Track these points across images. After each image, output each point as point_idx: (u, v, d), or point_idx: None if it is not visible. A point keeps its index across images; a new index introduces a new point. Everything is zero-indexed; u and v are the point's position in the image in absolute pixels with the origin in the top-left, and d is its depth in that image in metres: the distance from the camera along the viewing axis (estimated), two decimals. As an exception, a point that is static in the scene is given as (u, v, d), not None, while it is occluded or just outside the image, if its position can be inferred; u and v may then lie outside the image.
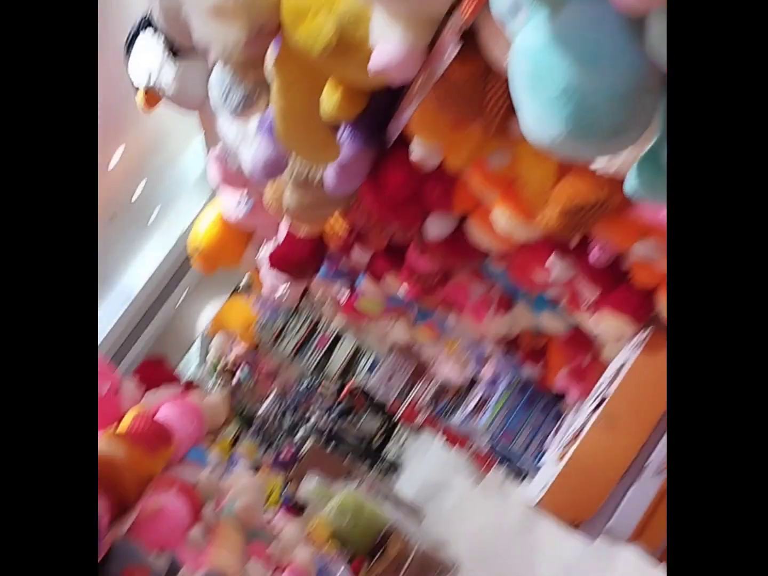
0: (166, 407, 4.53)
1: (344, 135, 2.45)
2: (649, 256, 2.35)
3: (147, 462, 3.43)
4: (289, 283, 4.91)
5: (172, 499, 3.32)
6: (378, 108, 2.26)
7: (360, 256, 3.74)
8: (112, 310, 6.06)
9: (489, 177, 2.40)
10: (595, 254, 2.56)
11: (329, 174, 2.60)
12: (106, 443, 3.30)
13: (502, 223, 2.51)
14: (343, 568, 5.02)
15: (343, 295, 4.81)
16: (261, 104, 2.47)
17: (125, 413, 4.12)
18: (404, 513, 6.47)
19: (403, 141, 2.43)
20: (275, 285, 5.14)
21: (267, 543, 4.32)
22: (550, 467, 2.96)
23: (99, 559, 2.40)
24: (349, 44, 1.82)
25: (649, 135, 1.29)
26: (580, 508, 2.64)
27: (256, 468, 6.15)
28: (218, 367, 10.29)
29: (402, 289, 3.80)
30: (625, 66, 1.17)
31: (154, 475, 3.53)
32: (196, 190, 5.84)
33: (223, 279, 8.17)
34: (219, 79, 2.48)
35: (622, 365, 2.78)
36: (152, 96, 3.07)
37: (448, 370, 5.48)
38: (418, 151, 2.40)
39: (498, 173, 2.35)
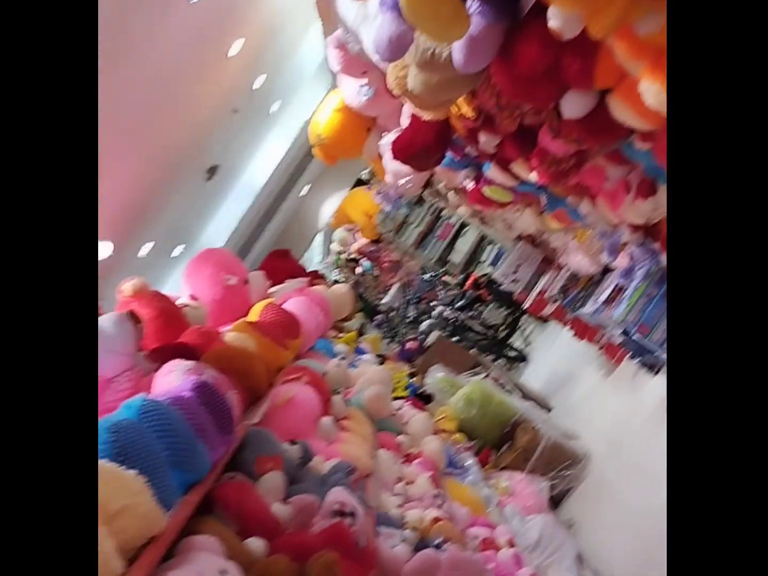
0: (293, 299, 4.55)
1: (474, 6, 2.25)
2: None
3: (277, 352, 3.45)
4: (412, 172, 4.77)
5: (302, 388, 3.34)
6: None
7: (487, 141, 3.55)
8: (237, 204, 6.10)
9: (637, 45, 2.16)
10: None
11: (457, 50, 2.41)
12: (237, 334, 3.33)
13: (650, 97, 2.27)
14: (471, 458, 5.03)
15: (469, 183, 4.63)
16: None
17: (253, 305, 4.15)
18: (532, 404, 6.41)
19: (539, 9, 2.22)
20: (398, 174, 5.01)
21: (396, 433, 4.34)
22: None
23: (233, 448, 2.41)
24: None
25: None
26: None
27: (382, 360, 6.18)
28: (340, 261, 10.35)
29: (532, 175, 3.60)
30: None
31: (284, 365, 3.56)
32: (315, 81, 5.71)
33: (345, 171, 8.09)
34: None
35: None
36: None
37: (578, 259, 5.27)
38: (555, 20, 2.18)
39: (648, 40, 2.11)
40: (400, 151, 3.91)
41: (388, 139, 4.32)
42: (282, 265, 5.73)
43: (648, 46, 2.14)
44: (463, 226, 9.74)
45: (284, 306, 4.28)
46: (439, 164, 4.24)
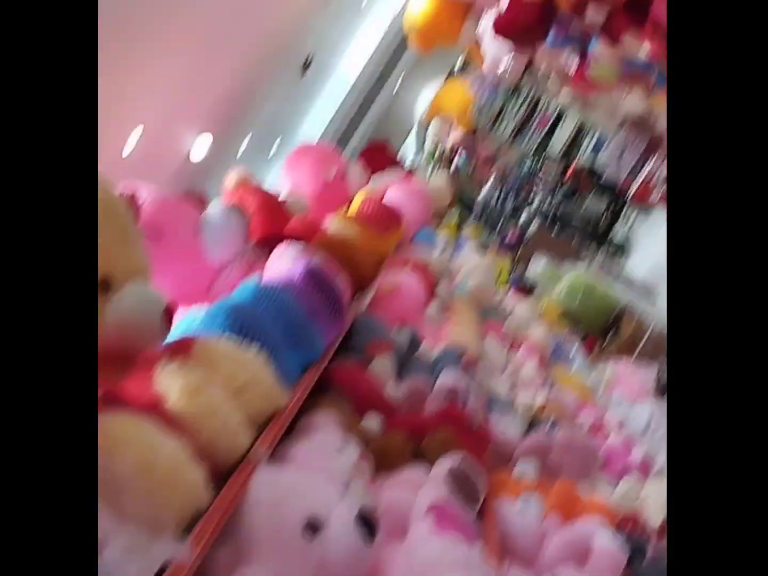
0: (392, 190, 4.51)
1: None
2: None
3: (379, 242, 3.44)
4: (512, 53, 4.60)
5: (407, 277, 3.33)
6: None
7: (595, 14, 3.36)
8: (332, 98, 6.03)
9: None
10: None
11: None
12: (340, 225, 3.33)
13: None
14: (576, 346, 4.98)
15: (572, 64, 4.42)
16: None
17: (353, 197, 4.14)
18: (636, 293, 6.28)
19: None
20: (497, 58, 4.84)
21: (501, 321, 4.32)
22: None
23: (342, 335, 2.43)
24: None
25: None
26: None
27: (484, 249, 6.12)
28: (436, 154, 10.19)
29: (643, 49, 3.40)
30: None
31: (387, 255, 3.55)
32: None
33: (439, 61, 7.89)
34: None
35: None
36: None
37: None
38: None
39: None
40: (502, 28, 3.77)
41: (489, 19, 4.16)
42: (380, 157, 5.67)
43: None
44: (561, 115, 9.43)
45: (384, 197, 4.25)
46: (541, 42, 4.07)
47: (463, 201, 9.05)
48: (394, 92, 7.24)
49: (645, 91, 4.58)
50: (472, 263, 4.66)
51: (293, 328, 1.96)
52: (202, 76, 3.45)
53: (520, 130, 9.81)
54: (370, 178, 4.94)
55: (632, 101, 4.95)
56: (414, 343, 2.88)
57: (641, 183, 6.33)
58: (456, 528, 1.59)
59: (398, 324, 2.94)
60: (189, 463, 1.19)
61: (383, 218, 3.71)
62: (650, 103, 4.74)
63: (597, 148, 8.38)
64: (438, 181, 5.80)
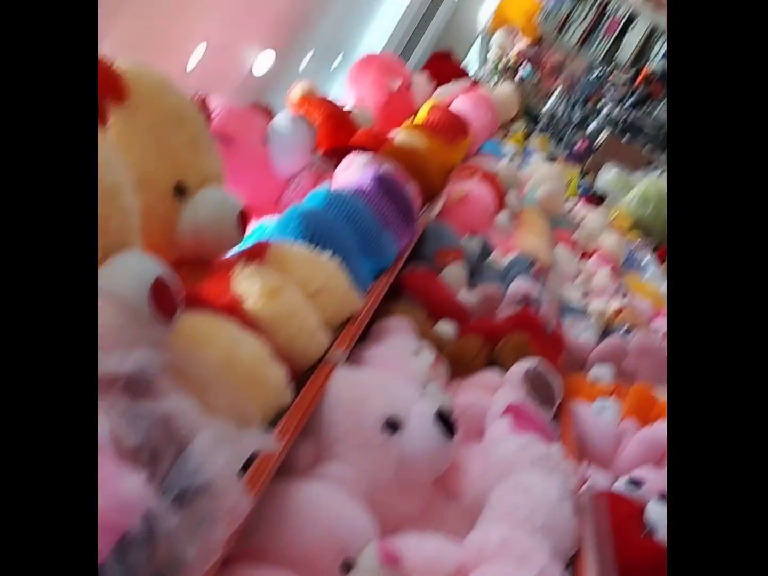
0: (459, 100, 4.42)
1: None
2: None
3: (447, 151, 3.40)
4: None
5: (476, 185, 3.28)
6: None
7: None
8: (393, 8, 5.89)
9: None
10: None
11: None
12: (407, 135, 3.28)
13: None
14: (648, 255, 4.89)
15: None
16: None
17: (419, 108, 4.07)
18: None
19: None
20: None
21: (571, 230, 4.26)
22: None
23: (413, 242, 2.42)
24: None
25: None
26: None
27: (551, 160, 6.00)
28: (500, 65, 9.95)
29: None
30: None
31: (455, 164, 3.50)
32: None
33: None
34: None
35: None
36: None
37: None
38: None
39: None
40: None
41: None
42: (444, 67, 5.54)
43: None
44: (631, 19, 9.07)
45: (451, 107, 4.16)
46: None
47: (528, 113, 8.86)
48: (454, 2, 7.03)
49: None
50: (541, 172, 4.57)
51: (365, 234, 1.95)
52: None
53: (587, 37, 9.49)
54: (435, 88, 4.84)
55: None
56: (485, 251, 2.86)
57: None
58: (533, 428, 1.59)
59: (469, 232, 2.91)
60: (270, 360, 1.21)
61: (451, 127, 3.64)
62: None
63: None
64: (505, 89, 5.64)
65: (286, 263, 1.54)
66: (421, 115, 3.87)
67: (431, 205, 2.88)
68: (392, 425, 1.36)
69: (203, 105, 1.62)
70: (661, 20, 8.16)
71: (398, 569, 1.13)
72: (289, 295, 1.40)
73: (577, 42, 9.58)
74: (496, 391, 1.82)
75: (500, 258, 2.96)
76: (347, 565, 1.12)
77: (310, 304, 1.47)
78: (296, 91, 3.30)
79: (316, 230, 1.75)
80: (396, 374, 1.57)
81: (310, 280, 1.54)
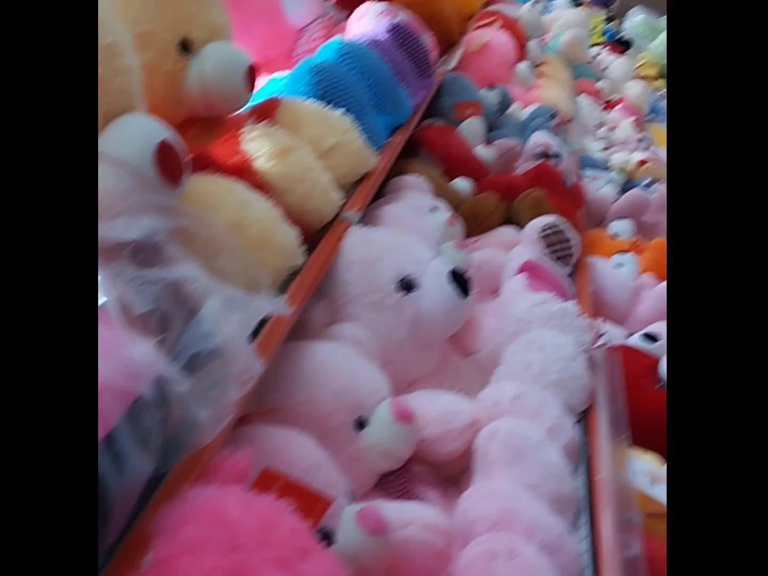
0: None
1: None
2: None
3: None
4: None
5: (496, 33, 3.16)
6: None
7: None
8: None
9: None
10: None
11: None
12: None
13: None
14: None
15: None
16: None
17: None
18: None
19: None
20: None
21: (595, 80, 4.12)
22: None
23: (432, 93, 2.35)
24: None
25: None
26: None
27: (576, 4, 5.74)
28: None
29: None
30: None
31: (475, 9, 3.36)
32: None
33: None
34: None
35: None
36: None
37: None
38: None
39: None
40: None
41: None
42: None
43: None
44: None
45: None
46: None
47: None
48: None
49: None
50: (565, 18, 4.38)
51: (379, 88, 1.89)
52: None
53: None
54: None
55: None
56: (505, 103, 2.78)
57: None
58: (549, 285, 1.58)
59: (488, 83, 2.82)
60: (281, 221, 1.19)
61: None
62: None
63: None
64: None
65: (298, 121, 1.50)
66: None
67: (449, 55, 2.78)
68: (407, 285, 1.36)
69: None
70: None
71: (412, 425, 1.16)
72: (301, 154, 1.37)
73: None
74: (513, 248, 1.81)
75: (521, 110, 2.88)
76: (361, 423, 1.15)
77: (323, 163, 1.45)
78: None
79: (329, 85, 1.69)
80: (411, 233, 1.56)
81: (322, 138, 1.50)
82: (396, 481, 1.18)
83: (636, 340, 1.82)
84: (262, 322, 1.01)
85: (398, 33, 2.09)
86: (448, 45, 2.82)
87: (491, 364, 1.43)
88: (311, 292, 1.24)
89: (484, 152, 2.33)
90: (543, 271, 1.65)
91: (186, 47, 1.32)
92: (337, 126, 1.56)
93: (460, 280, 1.38)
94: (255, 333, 0.99)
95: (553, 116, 2.77)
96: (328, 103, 1.63)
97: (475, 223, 1.93)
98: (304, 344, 1.22)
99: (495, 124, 2.67)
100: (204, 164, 1.21)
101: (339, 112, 1.60)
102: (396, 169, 1.93)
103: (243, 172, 1.26)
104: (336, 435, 1.12)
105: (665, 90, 5.01)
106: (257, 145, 1.33)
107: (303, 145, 1.41)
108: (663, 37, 5.55)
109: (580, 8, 5.49)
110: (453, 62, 2.75)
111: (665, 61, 5.33)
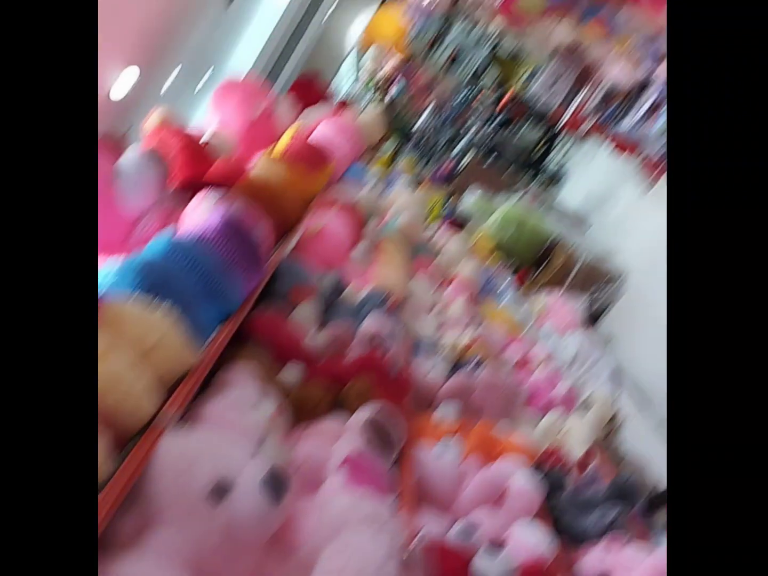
0: (322, 126, 4.45)
1: None
2: None
3: (306, 182, 3.41)
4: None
5: (333, 217, 3.31)
6: None
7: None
8: (261, 28, 5.86)
9: None
10: None
11: None
12: (265, 165, 3.28)
13: None
14: (508, 279, 5.05)
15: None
16: None
17: (282, 133, 4.07)
18: (569, 224, 6.35)
19: None
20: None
21: (432, 257, 4.35)
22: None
23: (266, 280, 2.42)
24: None
25: None
26: None
27: (417, 183, 6.11)
28: (372, 82, 10.06)
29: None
30: None
31: (315, 195, 3.52)
32: None
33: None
34: None
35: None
36: None
37: (617, 71, 5.03)
38: None
39: None
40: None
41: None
42: (311, 91, 5.58)
43: None
44: (497, 41, 9.33)
45: (313, 134, 4.19)
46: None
47: (400, 130, 8.99)
48: (325, 20, 7.06)
49: (573, 20, 4.56)
50: (403, 199, 4.64)
51: (208, 281, 1.94)
52: (125, 8, 3.30)
53: (456, 57, 9.71)
54: (300, 112, 4.85)
55: (562, 31, 4.94)
56: (339, 287, 2.88)
57: (573, 112, 6.34)
58: (369, 481, 1.62)
59: (324, 267, 2.93)
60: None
61: (310, 157, 3.65)
62: (579, 33, 4.73)
63: (532, 76, 8.35)
64: (370, 114, 5.72)
65: (119, 321, 1.52)
66: (283, 142, 3.87)
67: (287, 239, 2.89)
68: (220, 490, 1.35)
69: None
70: (523, 46, 8.41)
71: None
72: (116, 359, 1.37)
73: (446, 60, 9.78)
74: (338, 439, 1.84)
75: (356, 293, 2.99)
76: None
77: (142, 364, 1.45)
78: (152, 120, 3.25)
79: (154, 282, 1.73)
80: (231, 431, 1.57)
81: (143, 338, 1.52)
82: None
83: (455, 533, 1.85)
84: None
85: (230, 225, 2.16)
86: (286, 229, 2.93)
87: (311, 564, 1.42)
88: (120, 500, 1.22)
89: (316, 338, 2.40)
90: (364, 466, 1.68)
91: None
92: (159, 325, 1.58)
93: (276, 483, 1.38)
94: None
95: (386, 299, 2.88)
96: (154, 299, 1.66)
97: (302, 412, 1.96)
98: (108, 558, 1.19)
99: (330, 307, 2.76)
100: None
101: (163, 308, 1.63)
102: (227, 358, 1.95)
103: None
104: None
105: (499, 266, 5.34)
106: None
107: (121, 347, 1.42)
108: (496, 214, 5.95)
109: (419, 188, 5.85)
110: (290, 247, 2.85)
111: (499, 237, 5.71)
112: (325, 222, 3.22)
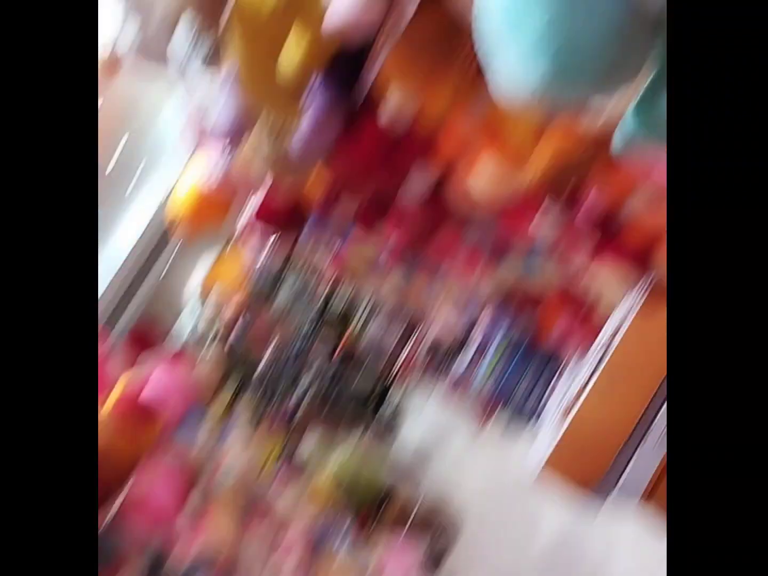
0: (154, 381, 4.42)
1: (314, 87, 2.26)
2: (641, 210, 2.20)
3: (132, 444, 3.33)
4: (277, 235, 4.78)
5: (159, 484, 3.22)
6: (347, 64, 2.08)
7: (346, 206, 3.60)
8: (100, 276, 5.93)
9: (471, 125, 2.21)
10: (587, 206, 2.41)
11: (298, 135, 2.44)
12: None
13: (485, 176, 2.34)
14: (345, 527, 4.97)
15: (333, 245, 4.66)
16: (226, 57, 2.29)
17: (116, 381, 4.01)
18: (406, 468, 6.41)
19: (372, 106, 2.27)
20: (264, 239, 5.01)
21: (266, 509, 4.25)
22: (552, 428, 2.86)
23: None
24: (300, 4, 1.64)
25: (644, 75, 1.14)
26: (587, 472, 2.55)
27: (256, 425, 6.08)
28: (214, 326, 10.19)
29: (391, 240, 3.67)
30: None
31: (141, 456, 3.43)
32: (174, 155, 5.66)
33: (212, 236, 8.00)
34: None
35: (620, 324, 2.65)
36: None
37: (441, 322, 5.35)
38: (393, 98, 2.17)
39: (481, 121, 2.15)
40: (263, 216, 3.96)
41: (252, 205, 4.31)
42: (147, 339, 5.58)
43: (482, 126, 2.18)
44: (337, 282, 9.73)
45: (145, 389, 4.14)
46: (303, 226, 4.26)
47: (242, 371, 9.02)
48: (165, 270, 7.22)
49: (400, 275, 4.88)
50: (239, 449, 4.59)
51: None
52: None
53: (297, 300, 10.02)
54: (136, 360, 4.81)
55: (390, 283, 5.25)
56: (158, 562, 2.75)
57: (404, 358, 6.61)
58: None
59: (145, 538, 2.81)
60: None
61: (138, 418, 3.60)
62: (406, 286, 5.04)
63: (369, 318, 8.69)
64: (205, 368, 5.75)
65: None
66: (114, 394, 3.80)
67: (105, 508, 2.77)
68: None
69: None
70: (360, 290, 8.81)
71: None
72: None
73: (288, 303, 10.07)
74: None
75: (183, 559, 2.87)
76: None
77: None
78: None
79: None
80: None
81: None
82: None
83: None
84: None
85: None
86: (106, 496, 2.83)
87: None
88: None
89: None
90: None
91: None
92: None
93: None
94: None
95: (212, 565, 2.78)
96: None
97: None
98: None
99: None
100: None
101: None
102: None
103: None
104: None
105: (336, 513, 5.26)
106: None
107: None
108: (331, 465, 5.94)
109: (257, 434, 5.80)
110: (109, 517, 2.73)
111: (333, 489, 5.66)
112: (149, 488, 3.12)
